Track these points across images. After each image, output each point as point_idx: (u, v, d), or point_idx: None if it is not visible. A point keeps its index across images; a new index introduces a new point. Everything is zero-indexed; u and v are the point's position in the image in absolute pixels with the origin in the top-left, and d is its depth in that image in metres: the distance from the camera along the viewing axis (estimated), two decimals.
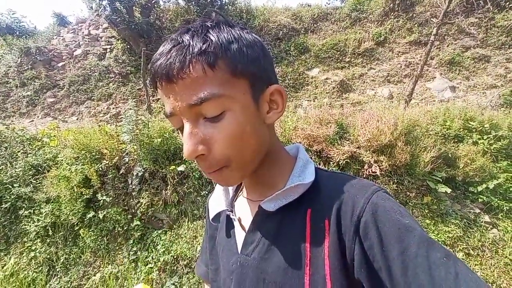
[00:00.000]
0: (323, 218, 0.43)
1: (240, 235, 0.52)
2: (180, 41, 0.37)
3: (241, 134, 0.40)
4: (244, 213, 0.54)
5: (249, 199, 0.54)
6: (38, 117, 5.93)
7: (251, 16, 7.18)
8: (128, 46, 6.59)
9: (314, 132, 2.59)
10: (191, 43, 0.37)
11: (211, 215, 0.57)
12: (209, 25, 0.39)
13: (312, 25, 7.18)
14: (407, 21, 6.52)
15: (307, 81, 6.08)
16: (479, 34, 6.02)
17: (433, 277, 0.32)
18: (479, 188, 2.51)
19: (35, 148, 3.16)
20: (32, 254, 2.62)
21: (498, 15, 6.01)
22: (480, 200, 2.55)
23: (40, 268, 2.60)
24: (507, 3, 5.98)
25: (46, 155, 3.03)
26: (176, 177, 2.68)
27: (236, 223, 0.54)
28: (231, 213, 0.55)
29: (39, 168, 2.96)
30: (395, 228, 0.36)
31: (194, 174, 2.69)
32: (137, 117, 2.63)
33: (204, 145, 0.39)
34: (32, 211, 2.73)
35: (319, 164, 2.57)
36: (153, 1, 6.86)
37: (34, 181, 2.88)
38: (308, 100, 5.59)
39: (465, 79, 5.54)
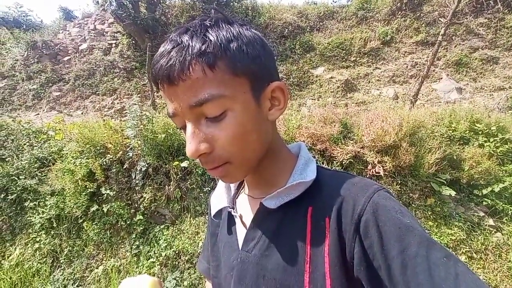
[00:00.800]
0: (323, 216, 0.43)
1: (241, 232, 0.52)
2: (180, 42, 0.38)
3: (243, 133, 0.40)
4: (245, 210, 0.55)
5: (250, 196, 0.54)
6: (43, 110, 5.99)
7: (256, 13, 7.14)
8: (134, 42, 6.60)
9: (318, 131, 2.58)
10: (191, 43, 0.37)
11: (213, 212, 0.58)
12: (208, 24, 0.39)
13: (318, 23, 7.12)
14: (414, 20, 6.44)
15: (312, 79, 6.05)
16: (488, 35, 5.93)
17: (432, 277, 0.31)
18: (484, 191, 2.49)
19: (40, 141, 3.19)
20: (37, 245, 2.66)
21: (508, 15, 5.91)
22: (484, 203, 2.52)
23: (44, 259, 2.64)
24: None
25: (52, 148, 3.06)
26: (179, 173, 2.69)
27: (237, 220, 0.54)
28: (232, 210, 0.55)
29: (45, 161, 3.00)
30: (395, 228, 0.36)
31: (197, 170, 2.70)
32: (141, 112, 2.64)
33: (207, 144, 0.40)
34: (37, 203, 2.77)
35: (322, 163, 2.56)
36: None
37: (40, 174, 2.91)
38: (312, 99, 5.57)
39: (472, 80, 5.47)
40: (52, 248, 2.67)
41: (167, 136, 2.70)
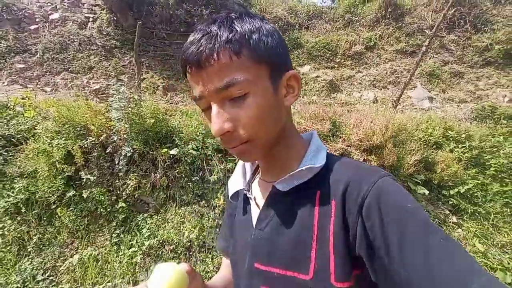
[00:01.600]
0: (330, 199, 0.46)
1: (255, 212, 0.57)
2: (209, 31, 0.43)
3: (262, 114, 0.45)
4: (259, 192, 0.60)
5: (264, 180, 0.59)
6: (3, 83, 5.33)
7: (248, 3, 7.00)
8: (115, 18, 6.10)
9: (309, 127, 2.65)
10: (219, 32, 0.42)
11: (230, 193, 0.63)
12: (233, 16, 0.45)
13: (306, 21, 7.20)
14: (396, 29, 6.80)
15: None
16: (457, 51, 6.48)
17: (429, 257, 0.34)
18: (451, 192, 2.76)
19: (6, 117, 2.85)
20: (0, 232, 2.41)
21: (474, 35, 6.50)
22: (450, 202, 2.80)
23: (8, 248, 2.40)
24: (482, 26, 6.50)
25: (20, 126, 2.75)
26: (167, 161, 2.60)
27: (252, 201, 0.59)
28: (248, 192, 0.60)
29: (12, 139, 2.69)
30: (397, 211, 0.39)
31: (186, 159, 2.63)
32: (129, 94, 2.49)
33: (230, 123, 0.44)
34: (1, 185, 2.49)
35: None
36: None
37: (5, 153, 2.61)
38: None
39: (441, 91, 5.97)
40: (19, 235, 2.44)
41: (156, 121, 2.58)
